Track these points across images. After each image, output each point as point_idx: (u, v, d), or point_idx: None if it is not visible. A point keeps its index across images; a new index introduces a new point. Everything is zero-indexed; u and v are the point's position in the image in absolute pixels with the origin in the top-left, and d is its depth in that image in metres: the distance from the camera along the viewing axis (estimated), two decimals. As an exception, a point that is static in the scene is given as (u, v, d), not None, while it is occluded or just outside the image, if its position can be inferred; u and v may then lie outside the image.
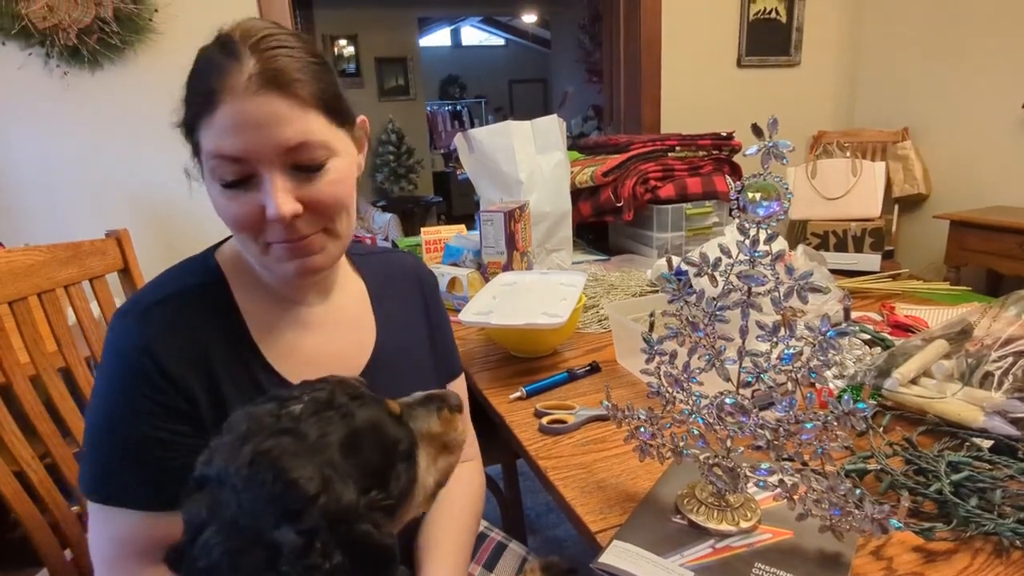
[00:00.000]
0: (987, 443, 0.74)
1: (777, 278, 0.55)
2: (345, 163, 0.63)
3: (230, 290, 0.65)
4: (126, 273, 1.14)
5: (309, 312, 0.70)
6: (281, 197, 0.57)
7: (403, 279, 0.82)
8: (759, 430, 0.59)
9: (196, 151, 0.61)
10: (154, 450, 0.58)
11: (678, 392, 0.65)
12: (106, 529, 0.60)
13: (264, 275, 0.67)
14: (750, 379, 0.59)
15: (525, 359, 1.11)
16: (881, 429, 0.79)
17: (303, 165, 0.59)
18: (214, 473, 0.44)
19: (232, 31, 0.59)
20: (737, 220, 0.57)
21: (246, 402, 0.61)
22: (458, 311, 1.09)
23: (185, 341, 0.60)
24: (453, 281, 1.39)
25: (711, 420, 0.62)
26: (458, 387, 0.88)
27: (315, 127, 0.59)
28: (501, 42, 8.16)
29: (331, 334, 0.71)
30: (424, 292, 0.84)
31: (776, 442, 0.58)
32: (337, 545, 0.41)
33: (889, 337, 1.03)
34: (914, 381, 0.85)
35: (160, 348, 0.59)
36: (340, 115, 0.63)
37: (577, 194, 1.79)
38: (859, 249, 1.58)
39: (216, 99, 0.56)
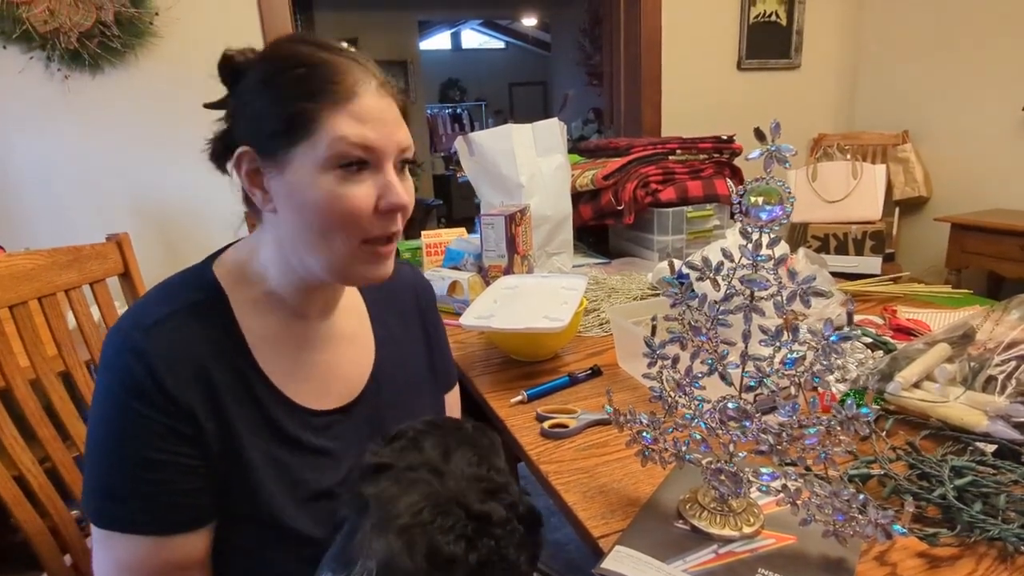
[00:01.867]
0: (991, 447, 0.73)
1: (780, 282, 0.55)
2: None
3: (229, 306, 0.64)
4: (127, 277, 1.14)
5: (310, 328, 0.69)
6: (402, 187, 0.61)
7: (400, 293, 0.82)
8: (762, 435, 0.59)
9: (297, 137, 0.58)
10: (156, 472, 0.57)
11: (680, 396, 0.65)
12: (110, 555, 0.58)
13: (288, 279, 0.65)
14: (753, 383, 0.58)
15: (526, 363, 1.11)
16: (884, 433, 0.79)
17: (404, 162, 0.63)
18: (404, 463, 0.53)
19: (338, 44, 0.64)
20: (740, 224, 0.57)
21: (248, 421, 0.62)
22: (459, 315, 1.09)
23: (185, 360, 0.59)
24: (454, 285, 1.39)
25: (713, 425, 0.62)
26: (454, 398, 0.89)
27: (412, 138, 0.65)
28: (501, 45, 8.17)
29: (332, 351, 0.71)
30: (420, 305, 0.83)
31: (779, 447, 0.58)
32: (519, 519, 0.52)
33: (891, 341, 1.02)
34: (917, 385, 0.84)
35: (161, 368, 0.57)
36: None
37: (578, 197, 1.79)
38: (860, 252, 1.58)
39: (355, 90, 0.59)
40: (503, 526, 0.50)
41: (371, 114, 0.59)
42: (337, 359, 0.71)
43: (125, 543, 0.58)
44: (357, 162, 0.58)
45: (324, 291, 0.69)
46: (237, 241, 0.70)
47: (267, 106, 0.59)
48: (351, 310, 0.75)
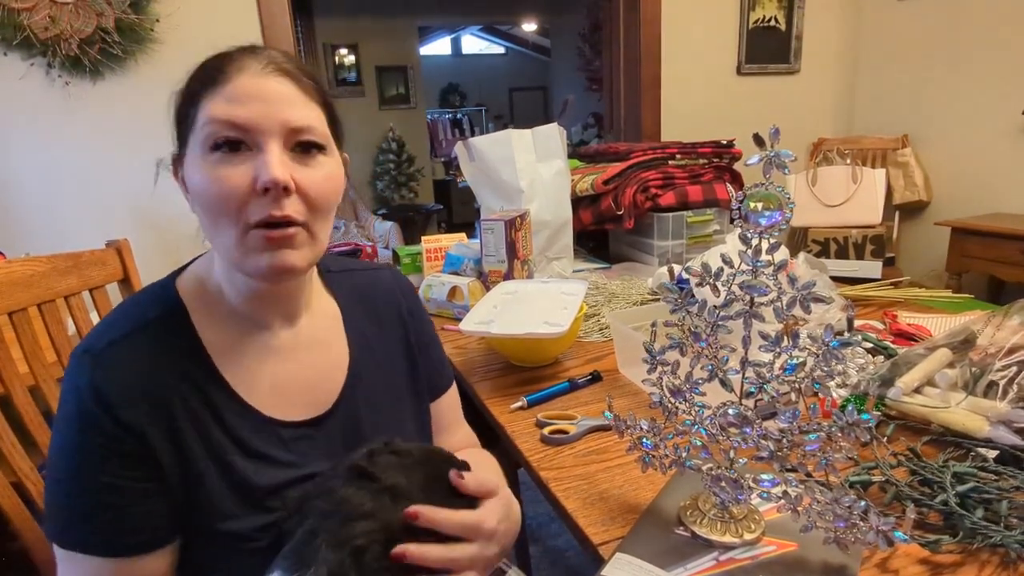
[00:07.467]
0: (992, 453, 0.73)
1: (780, 288, 0.55)
2: (336, 168, 0.64)
3: (191, 321, 0.63)
4: (126, 283, 1.14)
5: (275, 337, 0.67)
6: (278, 163, 0.57)
7: (380, 298, 0.79)
8: (762, 441, 0.58)
9: (186, 130, 0.60)
10: (111, 496, 0.56)
11: (680, 402, 0.65)
12: (73, 574, 0.58)
13: (233, 286, 0.64)
14: (753, 389, 0.58)
15: (526, 368, 1.11)
16: (885, 439, 0.79)
17: (304, 145, 0.60)
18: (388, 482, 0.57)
19: (251, 45, 0.63)
20: (739, 230, 0.57)
21: (208, 439, 0.61)
22: (459, 320, 1.09)
23: (141, 381, 0.58)
24: (454, 290, 1.39)
25: (714, 431, 0.62)
26: (450, 397, 0.86)
27: (318, 120, 0.62)
28: (501, 50, 8.19)
29: (300, 359, 0.69)
30: (402, 311, 0.80)
31: (780, 453, 0.58)
32: None
33: (892, 346, 1.02)
34: (918, 390, 0.84)
35: (111, 393, 0.57)
36: (336, 129, 0.66)
37: (578, 202, 1.79)
38: (860, 256, 1.57)
39: (229, 75, 0.58)
40: None
41: (246, 93, 0.57)
42: (306, 367, 0.69)
43: (86, 564, 0.57)
44: (228, 142, 0.57)
45: (273, 296, 0.66)
46: (200, 256, 0.69)
47: (173, 108, 0.62)
48: (322, 316, 0.73)
